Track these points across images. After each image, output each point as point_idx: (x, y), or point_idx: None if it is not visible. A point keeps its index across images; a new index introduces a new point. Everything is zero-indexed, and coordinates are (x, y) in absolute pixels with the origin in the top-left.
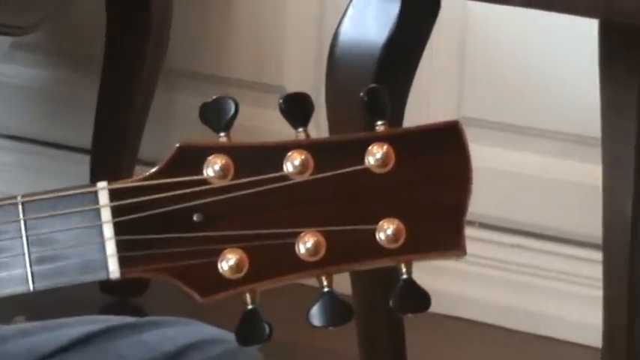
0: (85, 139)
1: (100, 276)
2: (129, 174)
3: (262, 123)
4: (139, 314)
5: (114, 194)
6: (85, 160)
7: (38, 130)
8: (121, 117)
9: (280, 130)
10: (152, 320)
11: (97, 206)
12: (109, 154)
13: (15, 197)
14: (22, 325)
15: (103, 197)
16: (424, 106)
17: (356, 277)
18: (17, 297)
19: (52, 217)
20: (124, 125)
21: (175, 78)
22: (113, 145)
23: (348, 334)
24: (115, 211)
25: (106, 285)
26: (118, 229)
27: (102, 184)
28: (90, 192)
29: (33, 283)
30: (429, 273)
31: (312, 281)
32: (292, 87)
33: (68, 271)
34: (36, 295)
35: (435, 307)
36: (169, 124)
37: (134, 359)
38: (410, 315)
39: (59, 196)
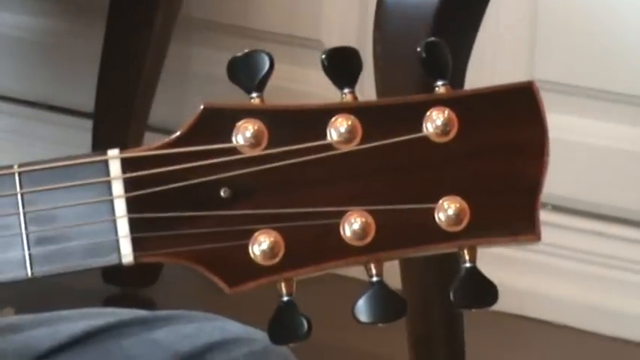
0: (87, 100)
1: (111, 260)
2: (137, 142)
3: (295, 84)
4: (148, 308)
5: (127, 164)
6: (87, 126)
7: (32, 90)
8: (129, 76)
9: (317, 92)
10: (167, 315)
11: (107, 178)
12: (115, 119)
13: (10, 167)
14: (11, 318)
15: (115, 167)
16: (487, 68)
17: (406, 267)
18: (5, 285)
19: (53, 191)
20: (131, 85)
21: (193, 30)
22: (119, 108)
23: (395, 335)
24: (129, 185)
25: (111, 273)
26: (132, 205)
27: (113, 152)
28: (99, 161)
29: (31, 268)
30: (491, 263)
31: (349, 271)
32: (331, 42)
33: (72, 254)
34: (28, 283)
35: (498, 304)
36: (185, 85)
37: None
38: (472, 311)
39: (62, 166)
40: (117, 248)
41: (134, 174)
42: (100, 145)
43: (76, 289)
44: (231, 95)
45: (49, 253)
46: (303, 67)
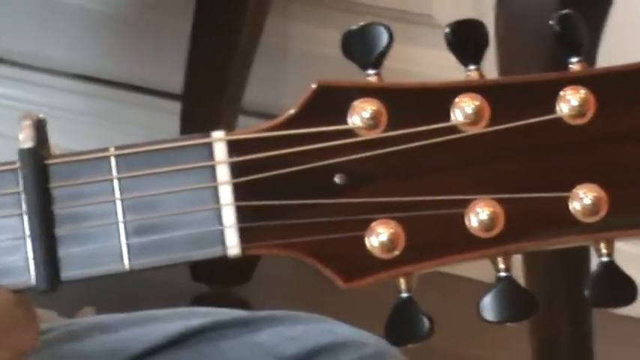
0: (175, 81)
1: (215, 252)
2: (230, 126)
3: (403, 63)
4: (241, 308)
5: (233, 147)
6: (174, 108)
7: (115, 70)
8: (221, 53)
9: (429, 72)
10: (269, 315)
11: (211, 162)
12: (206, 101)
13: (106, 149)
14: (101, 317)
15: (220, 151)
16: (618, 45)
17: (530, 264)
18: (84, 283)
19: (152, 176)
20: (224, 64)
21: (292, 3)
22: (210, 89)
23: (515, 338)
24: (235, 169)
25: (201, 270)
26: (239, 192)
27: (218, 134)
28: (203, 144)
29: (129, 260)
30: (620, 260)
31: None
32: (443, 17)
33: (173, 245)
34: (111, 280)
35: (631, 308)
36: (282, 64)
37: None
38: (608, 309)
39: (161, 149)
40: (222, 239)
41: (241, 158)
42: (188, 129)
43: (160, 287)
44: (333, 75)
45: (148, 244)
46: (413, 44)
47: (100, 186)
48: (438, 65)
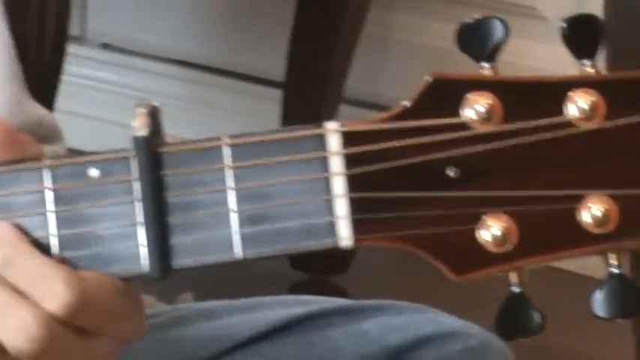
0: (277, 68)
1: (327, 243)
2: (331, 115)
3: (508, 56)
4: (338, 297)
5: (347, 138)
6: (275, 96)
7: (216, 56)
8: (324, 42)
9: (537, 65)
10: (375, 305)
11: (325, 153)
12: (307, 90)
13: (219, 138)
14: (202, 304)
15: (334, 142)
16: None
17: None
18: (214, 268)
19: (265, 166)
20: (327, 53)
21: None
22: (312, 77)
23: (619, 333)
24: (349, 161)
25: (300, 258)
26: (352, 183)
27: (332, 125)
28: (316, 135)
29: (241, 249)
30: None
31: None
32: (547, 10)
33: (285, 235)
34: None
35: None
36: (384, 54)
37: (350, 353)
38: None
39: (274, 139)
40: (334, 230)
41: (355, 149)
42: (290, 117)
43: (258, 274)
44: (433, 66)
45: (261, 234)
46: (516, 37)
47: (212, 175)
48: (542, 58)
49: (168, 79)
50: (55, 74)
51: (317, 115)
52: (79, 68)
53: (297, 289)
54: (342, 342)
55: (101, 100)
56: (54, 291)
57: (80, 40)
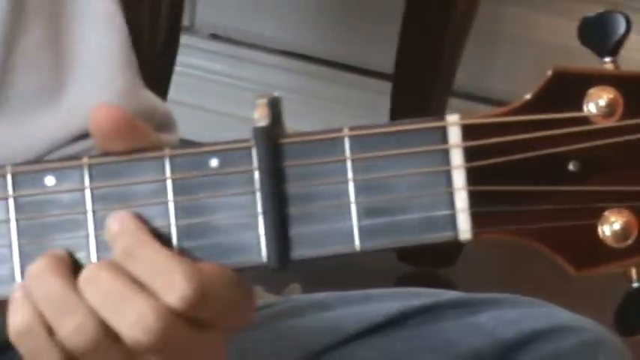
0: (386, 60)
1: (445, 236)
2: (440, 108)
3: (631, 52)
4: (445, 289)
5: (467, 131)
6: (383, 88)
7: (326, 48)
8: (434, 35)
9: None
10: (488, 298)
11: (445, 146)
12: (417, 82)
13: (340, 130)
14: (315, 296)
15: (454, 134)
16: None
17: None
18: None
19: (384, 158)
20: (436, 46)
21: None
22: (422, 70)
23: None
24: (469, 154)
25: (407, 251)
26: (472, 176)
27: (453, 118)
28: (437, 127)
29: (360, 241)
30: None
31: None
32: None
33: (403, 228)
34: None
35: None
36: (493, 47)
37: (464, 345)
38: None
39: (395, 131)
40: (453, 223)
41: (475, 142)
42: (399, 110)
43: (364, 266)
44: (542, 61)
45: (379, 226)
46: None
47: (333, 166)
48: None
49: (276, 70)
50: (169, 65)
51: (426, 108)
52: (188, 58)
53: (404, 281)
54: (456, 335)
55: (209, 91)
56: (173, 284)
57: (189, 30)
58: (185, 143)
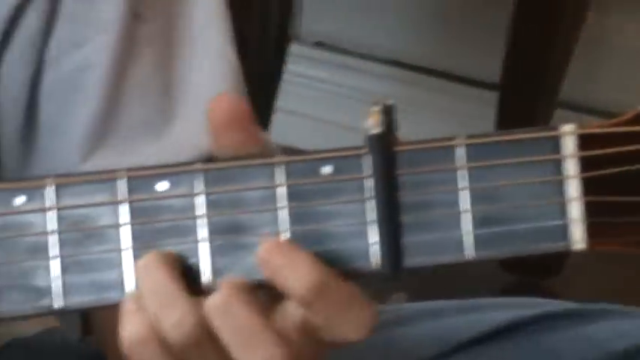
0: (492, 71)
1: (559, 246)
2: (546, 120)
3: None
4: (549, 299)
5: (582, 141)
6: (491, 99)
7: (431, 57)
8: (542, 44)
9: None
10: (599, 309)
11: (559, 156)
12: (523, 93)
13: (454, 138)
14: (425, 304)
15: (569, 144)
16: None
17: None
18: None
19: (498, 167)
20: (543, 56)
21: None
22: (528, 81)
23: None
24: (584, 164)
25: (511, 260)
26: (587, 186)
27: (568, 128)
28: (551, 137)
29: (474, 250)
30: None
31: None
32: None
33: (516, 237)
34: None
35: None
36: (601, 59)
37: (573, 357)
38: None
39: (509, 140)
40: (566, 234)
41: (591, 152)
42: (505, 120)
43: (469, 276)
44: None
45: (492, 235)
46: None
47: (446, 175)
48: None
49: (381, 79)
50: (277, 73)
51: (533, 119)
52: (293, 66)
53: (508, 291)
54: (566, 345)
55: (312, 98)
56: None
57: (294, 38)
58: (291, 151)
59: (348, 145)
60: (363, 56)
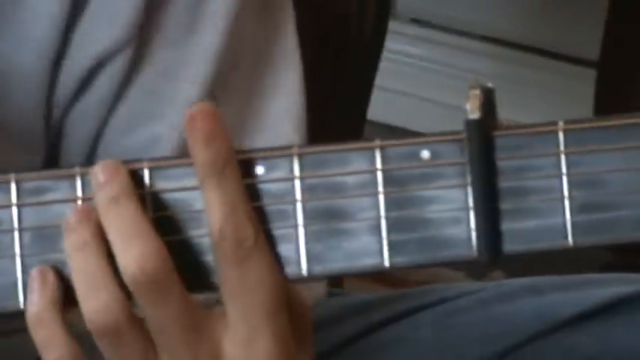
0: (590, 48)
1: None
2: None
3: None
4: None
5: None
6: (589, 76)
7: (529, 34)
8: None
9: None
10: None
11: None
12: (621, 70)
13: (555, 123)
14: (526, 280)
15: None
16: None
17: None
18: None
19: (599, 153)
20: None
21: None
22: (627, 58)
23: None
24: None
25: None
26: None
27: None
28: None
29: (573, 237)
30: None
31: None
32: None
33: (618, 225)
34: None
35: None
36: None
37: None
38: None
39: (608, 126)
40: None
41: None
42: (603, 98)
43: (568, 252)
44: None
45: (592, 222)
46: None
47: (546, 160)
48: None
49: (478, 56)
50: (376, 52)
51: (628, 97)
52: (389, 43)
53: (607, 269)
54: None
55: (408, 75)
56: None
57: (391, 15)
58: (387, 128)
59: (444, 127)
60: (459, 33)
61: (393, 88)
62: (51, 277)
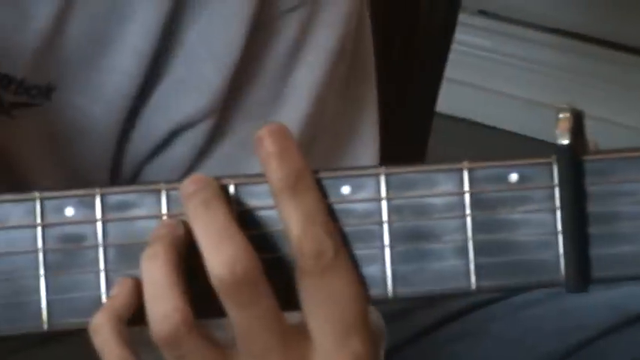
0: None
1: None
2: None
3: None
4: None
5: None
6: None
7: (592, 25)
8: None
9: None
10: None
11: None
12: None
13: None
14: None
15: None
16: None
17: None
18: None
19: None
20: None
21: None
22: None
23: None
24: None
25: None
26: None
27: None
28: None
29: None
30: None
31: None
32: None
33: None
34: None
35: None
36: None
37: None
38: None
39: None
40: None
41: None
42: None
43: None
44: None
45: None
46: None
47: (637, 186)
48: None
49: (545, 47)
50: (446, 44)
51: None
52: (456, 35)
53: None
54: None
55: (475, 67)
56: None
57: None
58: (453, 120)
59: (510, 119)
60: (527, 24)
61: (459, 80)
62: (119, 288)
